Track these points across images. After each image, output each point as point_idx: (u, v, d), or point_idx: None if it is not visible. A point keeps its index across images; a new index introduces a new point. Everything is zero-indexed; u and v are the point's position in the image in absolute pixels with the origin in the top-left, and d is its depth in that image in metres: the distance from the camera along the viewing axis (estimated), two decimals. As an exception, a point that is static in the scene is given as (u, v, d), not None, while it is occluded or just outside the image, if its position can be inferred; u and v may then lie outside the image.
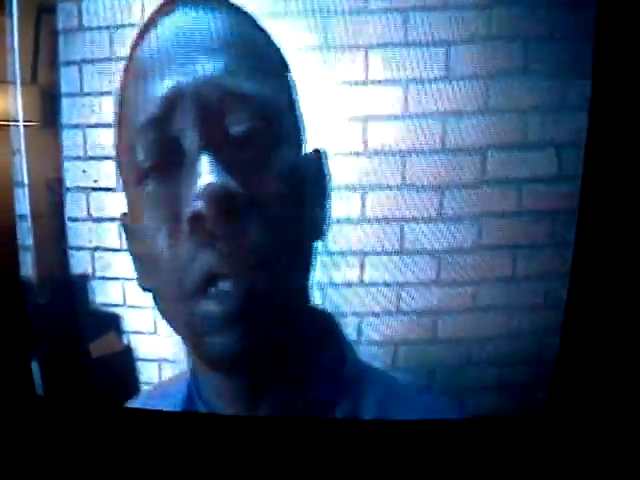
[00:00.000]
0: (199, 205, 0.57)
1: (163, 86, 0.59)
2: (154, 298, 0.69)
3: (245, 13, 0.64)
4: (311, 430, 0.75)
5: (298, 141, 0.66)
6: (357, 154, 0.73)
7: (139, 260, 0.69)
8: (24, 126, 0.79)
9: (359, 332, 0.77)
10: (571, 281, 0.74)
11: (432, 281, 0.75)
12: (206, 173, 0.58)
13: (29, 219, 0.80)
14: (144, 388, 0.81)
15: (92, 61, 0.75)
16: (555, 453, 0.75)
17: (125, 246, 0.74)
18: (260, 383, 0.68)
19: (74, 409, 0.82)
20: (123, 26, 0.73)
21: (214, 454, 0.78)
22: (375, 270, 0.75)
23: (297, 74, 0.66)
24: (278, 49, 0.64)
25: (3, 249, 0.80)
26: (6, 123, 0.79)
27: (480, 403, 0.77)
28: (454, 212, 0.74)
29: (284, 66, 0.65)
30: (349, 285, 0.75)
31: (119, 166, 0.69)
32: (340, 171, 0.73)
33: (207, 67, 0.59)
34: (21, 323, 0.81)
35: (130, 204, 0.67)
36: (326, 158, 0.68)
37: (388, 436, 0.75)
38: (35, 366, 0.83)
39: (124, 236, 0.72)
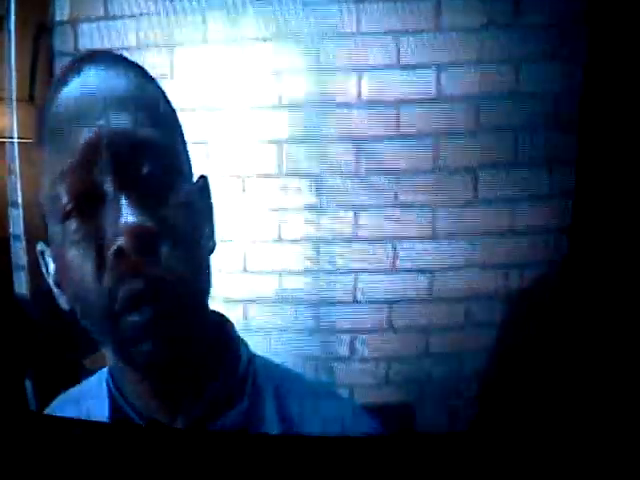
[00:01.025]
0: (120, 241, 0.64)
1: (81, 137, 0.66)
2: (76, 315, 0.73)
3: (142, 70, 0.71)
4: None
5: (190, 173, 0.73)
6: (350, 173, 0.74)
7: (60, 287, 0.74)
8: (19, 144, 0.79)
9: (352, 349, 0.77)
10: (564, 298, 0.74)
11: (424, 299, 0.75)
12: (124, 213, 0.64)
13: (23, 239, 0.80)
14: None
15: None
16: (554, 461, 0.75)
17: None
18: (174, 384, 0.72)
19: (67, 424, 0.82)
20: (118, 49, 0.74)
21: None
22: (368, 288, 0.75)
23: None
24: (168, 100, 0.71)
25: (-2, 266, 0.80)
26: (2, 140, 0.79)
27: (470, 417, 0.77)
28: (446, 230, 0.74)
29: (174, 114, 0.72)
30: (342, 303, 0.76)
31: (44, 210, 0.72)
32: (333, 190, 0.73)
33: (117, 119, 0.66)
34: (14, 339, 0.81)
35: (53, 239, 0.71)
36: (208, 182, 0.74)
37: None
38: (28, 381, 0.83)
39: (43, 266, 0.75)
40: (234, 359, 0.74)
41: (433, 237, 0.74)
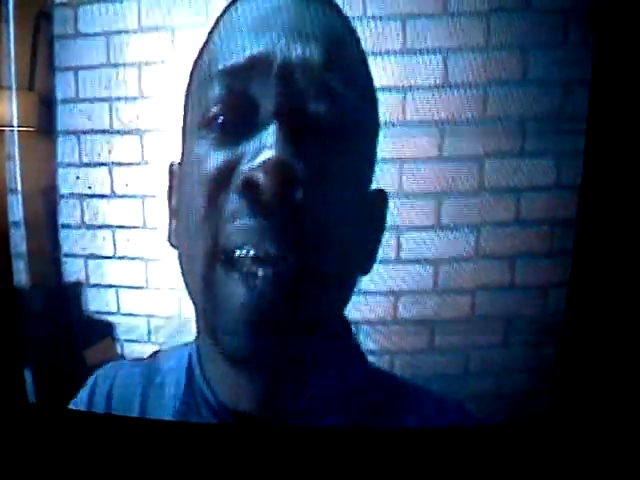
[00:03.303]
0: (258, 174, 0.56)
1: (255, 44, 0.59)
2: (179, 259, 0.67)
3: (346, 18, 0.64)
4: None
5: (371, 165, 0.65)
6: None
7: (176, 213, 0.67)
8: (18, 132, 0.79)
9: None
10: (569, 289, 0.73)
11: (429, 290, 0.75)
12: (274, 145, 0.56)
13: (22, 226, 0.80)
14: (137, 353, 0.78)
15: (88, 67, 0.75)
16: (552, 459, 0.74)
17: (116, 254, 0.75)
18: (271, 383, 0.65)
19: (66, 416, 0.81)
20: (119, 32, 0.73)
21: (207, 461, 0.77)
22: (372, 279, 0.75)
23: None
24: (366, 61, 0.65)
25: (-4, 256, 0.79)
26: (1, 128, 0.79)
27: (477, 411, 0.76)
28: (452, 220, 0.73)
29: (371, 79, 0.65)
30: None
31: (184, 108, 0.66)
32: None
33: (304, 49, 0.59)
34: (14, 330, 0.80)
35: (185, 151, 0.65)
36: (388, 205, 0.68)
37: (389, 443, 0.74)
38: (28, 373, 0.82)
39: (167, 185, 0.69)
40: (353, 365, 0.68)
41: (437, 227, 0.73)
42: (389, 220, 0.72)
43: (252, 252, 0.58)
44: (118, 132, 0.76)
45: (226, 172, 0.59)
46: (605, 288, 0.73)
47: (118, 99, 0.75)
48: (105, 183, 0.77)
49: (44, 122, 0.79)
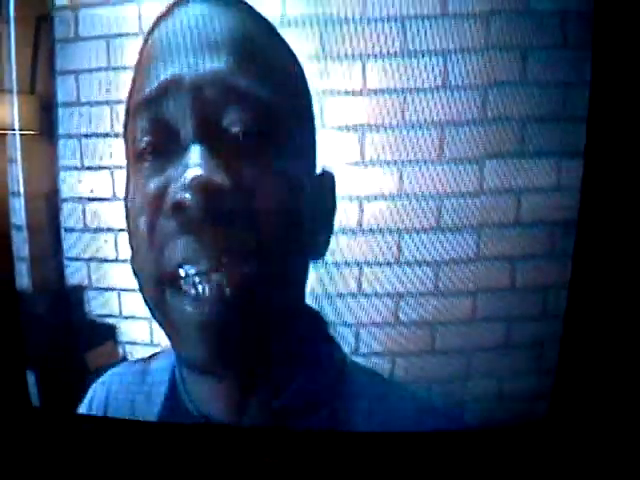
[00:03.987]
0: (184, 194, 0.58)
1: (165, 70, 0.61)
2: (139, 285, 0.70)
3: (260, 16, 0.64)
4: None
5: (307, 155, 0.66)
6: (354, 164, 0.73)
7: (131, 240, 0.70)
8: (20, 135, 0.79)
9: (357, 343, 0.76)
10: (570, 290, 0.73)
11: (430, 292, 0.75)
12: (195, 164, 0.58)
13: (24, 229, 0.80)
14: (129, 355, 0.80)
15: (88, 71, 0.75)
16: (555, 462, 0.74)
17: (119, 257, 0.76)
18: (241, 387, 0.68)
19: (70, 420, 0.82)
20: (119, 36, 0.73)
21: (208, 464, 0.77)
22: (373, 281, 0.75)
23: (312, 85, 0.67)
24: (292, 55, 0.65)
25: (-1, 259, 0.80)
26: (2, 132, 0.79)
27: (479, 414, 0.76)
28: (452, 222, 0.73)
29: (296, 74, 0.65)
30: (347, 296, 0.75)
31: (125, 146, 0.69)
32: (337, 181, 0.72)
33: (211, 61, 0.60)
34: (16, 334, 0.81)
35: (127, 182, 0.68)
36: (335, 185, 0.68)
37: (386, 447, 0.74)
38: (30, 377, 0.82)
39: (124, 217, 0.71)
40: (326, 360, 0.69)
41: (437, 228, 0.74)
42: (390, 222, 0.73)
43: (192, 270, 0.60)
44: (119, 135, 0.76)
45: (159, 198, 0.61)
46: (606, 289, 0.73)
47: (119, 102, 0.75)
48: (107, 186, 0.78)
49: (45, 125, 0.79)
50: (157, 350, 0.77)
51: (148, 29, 0.66)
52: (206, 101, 0.59)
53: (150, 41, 0.64)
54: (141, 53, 0.66)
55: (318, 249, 0.68)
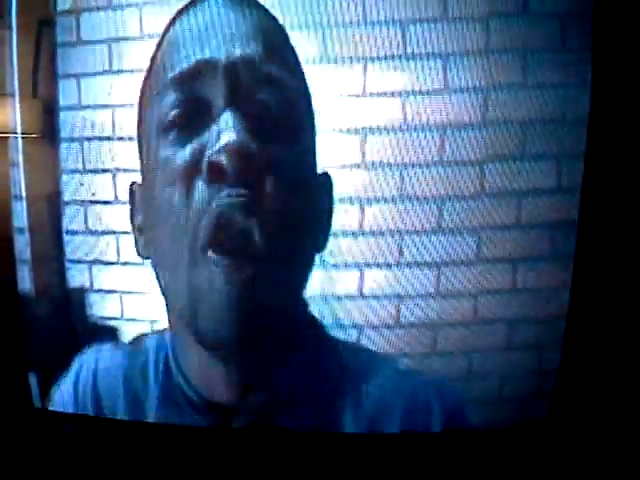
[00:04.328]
0: (219, 156, 0.62)
1: (200, 52, 0.66)
2: (154, 267, 0.72)
3: (274, 17, 0.70)
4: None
5: (312, 150, 0.70)
6: (356, 166, 0.73)
7: (144, 228, 0.72)
8: (23, 139, 0.79)
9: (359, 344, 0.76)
10: (572, 292, 0.73)
11: (432, 293, 0.75)
12: (229, 129, 0.63)
13: (27, 232, 0.80)
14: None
15: (90, 74, 0.76)
16: (556, 462, 0.74)
17: (120, 259, 0.77)
18: (250, 370, 0.71)
19: (71, 421, 0.82)
20: (121, 39, 0.73)
21: (213, 466, 0.78)
22: (374, 282, 0.75)
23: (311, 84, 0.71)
24: (297, 57, 0.70)
25: (0, 262, 0.80)
26: (5, 135, 0.79)
27: (480, 415, 0.76)
28: (454, 224, 0.73)
29: (302, 74, 0.70)
30: (348, 297, 0.75)
31: (138, 128, 0.73)
32: (339, 183, 0.73)
33: (242, 48, 0.66)
34: (19, 336, 0.81)
35: (146, 166, 0.71)
36: (333, 184, 0.72)
37: (386, 447, 0.74)
38: (32, 378, 0.82)
39: (129, 208, 0.74)
40: (323, 348, 0.71)
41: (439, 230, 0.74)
42: (391, 224, 0.73)
43: (225, 237, 0.64)
44: (121, 138, 0.77)
45: (193, 164, 0.65)
46: (607, 291, 0.73)
47: (121, 106, 0.76)
48: (109, 189, 0.78)
49: (47, 129, 0.79)
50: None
51: (170, 19, 0.70)
52: (238, 80, 0.65)
53: (175, 29, 0.69)
54: (163, 38, 0.70)
55: (319, 242, 0.72)
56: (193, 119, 0.65)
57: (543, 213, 0.74)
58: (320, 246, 0.71)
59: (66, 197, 0.80)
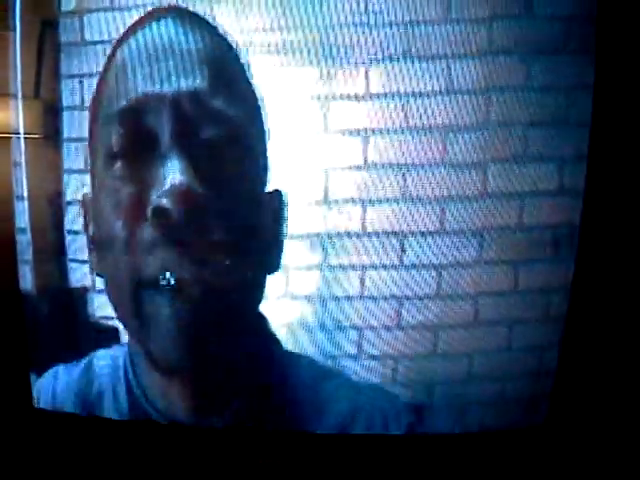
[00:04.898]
0: (164, 201, 0.61)
1: (145, 84, 0.64)
2: (105, 284, 0.72)
3: (223, 37, 0.69)
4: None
5: (264, 173, 0.70)
6: (357, 168, 0.73)
7: (96, 244, 0.72)
8: (25, 139, 0.79)
9: (359, 346, 0.76)
10: (573, 294, 0.73)
11: (433, 295, 0.75)
12: (175, 172, 0.62)
13: (29, 232, 0.80)
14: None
15: (93, 75, 0.76)
16: (555, 466, 0.74)
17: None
18: (204, 391, 0.71)
19: (72, 422, 0.82)
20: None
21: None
22: (376, 284, 0.75)
23: (270, 104, 0.70)
24: (249, 80, 0.69)
25: (2, 261, 0.80)
26: (7, 135, 0.79)
27: (480, 417, 0.76)
28: (456, 225, 0.73)
29: (255, 97, 0.69)
30: (350, 299, 0.75)
31: (89, 144, 0.72)
32: (340, 184, 0.73)
33: (189, 80, 0.64)
34: (20, 335, 0.81)
35: (95, 185, 0.70)
36: (285, 202, 0.71)
37: (380, 451, 0.74)
38: (33, 378, 0.82)
39: (81, 219, 0.75)
40: (270, 357, 0.71)
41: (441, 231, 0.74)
42: (393, 225, 0.73)
43: (172, 278, 0.64)
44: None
45: (137, 204, 0.64)
46: (608, 294, 0.73)
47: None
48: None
49: (50, 129, 0.80)
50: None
51: (118, 37, 0.69)
52: (184, 116, 0.63)
53: (122, 52, 0.68)
54: (110, 61, 0.69)
55: (272, 265, 0.71)
56: (139, 154, 0.64)
57: (545, 215, 0.74)
58: (272, 268, 0.71)
59: (68, 197, 0.79)
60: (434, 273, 0.74)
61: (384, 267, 0.74)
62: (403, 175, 0.72)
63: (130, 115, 0.64)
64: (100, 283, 0.79)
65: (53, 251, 0.81)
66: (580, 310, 0.73)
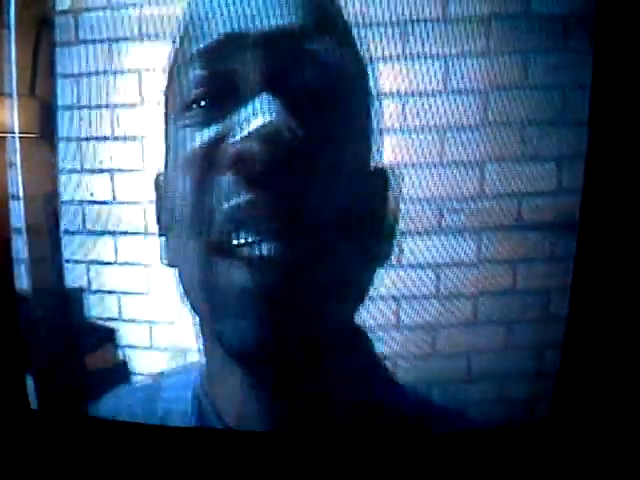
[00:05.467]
0: (250, 143, 0.53)
1: (233, 21, 0.56)
2: (179, 276, 0.65)
3: None
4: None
5: (364, 142, 0.62)
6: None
7: (168, 228, 0.64)
8: (20, 139, 0.79)
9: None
10: (572, 294, 0.73)
11: (431, 294, 0.74)
12: (265, 111, 0.53)
13: (24, 232, 0.80)
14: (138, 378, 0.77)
15: (89, 74, 0.75)
16: (556, 464, 0.74)
17: (118, 260, 0.75)
18: (286, 386, 0.62)
19: (69, 423, 0.81)
20: (120, 39, 0.73)
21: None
22: (374, 283, 0.74)
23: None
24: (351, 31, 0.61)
25: (-2, 262, 0.79)
26: (2, 135, 0.79)
27: (480, 416, 0.76)
28: (454, 225, 0.73)
29: (359, 53, 0.62)
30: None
31: (165, 106, 0.65)
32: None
33: (284, 18, 0.56)
34: (15, 336, 0.80)
35: (168, 149, 0.62)
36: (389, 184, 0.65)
37: (389, 446, 0.74)
38: (29, 379, 0.82)
39: (156, 203, 0.66)
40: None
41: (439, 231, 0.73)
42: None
43: (251, 235, 0.55)
44: (119, 138, 0.76)
45: (215, 149, 0.55)
46: (608, 292, 0.72)
47: (119, 106, 0.76)
48: (107, 189, 0.78)
49: (45, 129, 0.79)
50: (157, 354, 0.77)
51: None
52: (277, 55, 0.55)
53: None
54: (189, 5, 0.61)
55: (379, 254, 0.64)
56: (220, 97, 0.56)
57: (544, 214, 0.74)
58: (380, 258, 0.63)
59: (64, 197, 0.79)
60: (432, 273, 0.74)
61: (382, 267, 0.74)
62: (401, 174, 0.72)
63: (212, 56, 0.56)
64: (97, 283, 0.80)
65: (49, 251, 0.81)
66: (581, 308, 0.73)
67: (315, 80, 0.56)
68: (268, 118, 0.53)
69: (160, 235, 0.67)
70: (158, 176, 0.68)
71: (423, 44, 0.69)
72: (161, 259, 0.68)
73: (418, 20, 0.68)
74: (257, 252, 0.55)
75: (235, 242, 0.55)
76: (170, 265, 0.67)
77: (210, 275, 0.57)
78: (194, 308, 0.65)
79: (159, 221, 0.67)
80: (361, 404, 0.66)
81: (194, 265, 0.60)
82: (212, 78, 0.56)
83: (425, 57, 0.69)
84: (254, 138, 0.53)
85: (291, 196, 0.55)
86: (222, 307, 0.58)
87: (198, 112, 0.57)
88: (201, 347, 0.68)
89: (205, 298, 0.60)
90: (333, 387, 0.63)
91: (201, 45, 0.57)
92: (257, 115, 0.54)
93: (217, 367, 0.64)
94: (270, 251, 0.55)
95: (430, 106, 0.70)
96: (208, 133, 0.56)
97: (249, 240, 0.55)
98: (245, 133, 0.53)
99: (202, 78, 0.56)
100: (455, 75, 0.70)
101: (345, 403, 0.65)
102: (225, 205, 0.55)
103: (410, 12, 0.68)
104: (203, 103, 0.56)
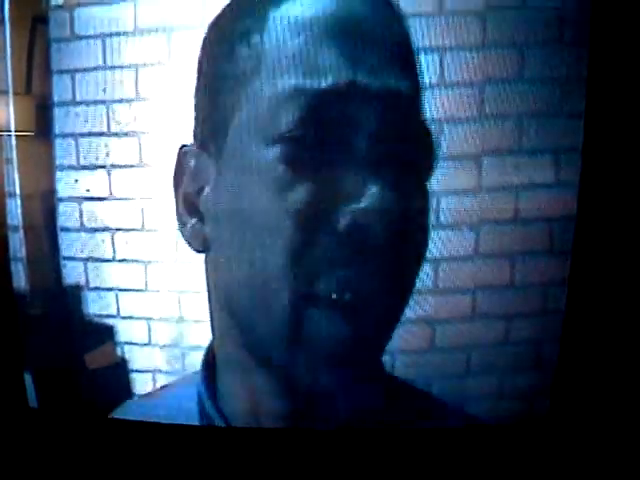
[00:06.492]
0: (367, 217, 0.53)
1: (341, 64, 0.53)
2: (211, 262, 0.64)
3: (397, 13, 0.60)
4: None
5: None
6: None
7: (207, 216, 0.61)
8: (16, 136, 0.78)
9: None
10: (570, 287, 0.73)
11: (429, 289, 0.74)
12: (378, 186, 0.54)
13: (21, 230, 0.80)
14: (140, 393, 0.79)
15: (84, 70, 0.75)
16: (556, 460, 0.74)
17: (116, 256, 0.75)
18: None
19: (67, 421, 0.81)
20: (115, 35, 0.73)
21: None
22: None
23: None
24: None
25: (-5, 259, 0.79)
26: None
27: (479, 412, 0.76)
28: (451, 219, 0.73)
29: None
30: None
31: (199, 69, 0.62)
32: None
33: (396, 77, 0.55)
34: (14, 334, 0.80)
35: (226, 150, 0.58)
36: None
37: (389, 443, 0.74)
38: (28, 377, 0.82)
39: (174, 174, 0.64)
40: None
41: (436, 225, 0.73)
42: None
43: (348, 295, 0.57)
44: (116, 134, 0.76)
45: (322, 209, 0.55)
46: (606, 286, 0.73)
47: (115, 101, 0.75)
48: (103, 185, 0.77)
49: (41, 125, 0.79)
50: (155, 351, 0.77)
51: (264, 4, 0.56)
52: (388, 118, 0.54)
53: (283, 23, 0.55)
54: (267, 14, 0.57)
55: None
56: (323, 147, 0.54)
57: (541, 208, 0.74)
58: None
59: (60, 194, 0.79)
60: (429, 268, 0.74)
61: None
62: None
63: (317, 98, 0.53)
64: (98, 282, 0.79)
65: (46, 248, 0.80)
66: (578, 302, 0.73)
67: (418, 155, 0.58)
68: (379, 193, 0.54)
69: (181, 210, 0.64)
70: (182, 149, 0.64)
71: (418, 37, 0.69)
72: (187, 240, 0.65)
73: (414, 14, 0.68)
74: (345, 303, 0.58)
75: (327, 295, 0.57)
76: (199, 250, 0.65)
77: (291, 320, 0.58)
78: (232, 313, 0.64)
79: (176, 191, 0.65)
80: (363, 402, 0.69)
81: (272, 304, 0.58)
82: (314, 123, 0.54)
83: (420, 50, 0.69)
84: (372, 214, 0.54)
85: (383, 259, 0.58)
86: (296, 352, 0.59)
87: (292, 153, 0.54)
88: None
89: (279, 340, 0.60)
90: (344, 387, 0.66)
91: (301, 82, 0.54)
92: (367, 187, 0.54)
93: (227, 365, 0.66)
94: (356, 301, 0.58)
95: (425, 99, 0.70)
96: (311, 188, 0.55)
97: (341, 294, 0.57)
98: (363, 206, 0.54)
99: (301, 119, 0.53)
100: (450, 68, 0.70)
101: (350, 402, 0.68)
102: (329, 266, 0.56)
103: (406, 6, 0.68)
104: (299, 144, 0.54)
